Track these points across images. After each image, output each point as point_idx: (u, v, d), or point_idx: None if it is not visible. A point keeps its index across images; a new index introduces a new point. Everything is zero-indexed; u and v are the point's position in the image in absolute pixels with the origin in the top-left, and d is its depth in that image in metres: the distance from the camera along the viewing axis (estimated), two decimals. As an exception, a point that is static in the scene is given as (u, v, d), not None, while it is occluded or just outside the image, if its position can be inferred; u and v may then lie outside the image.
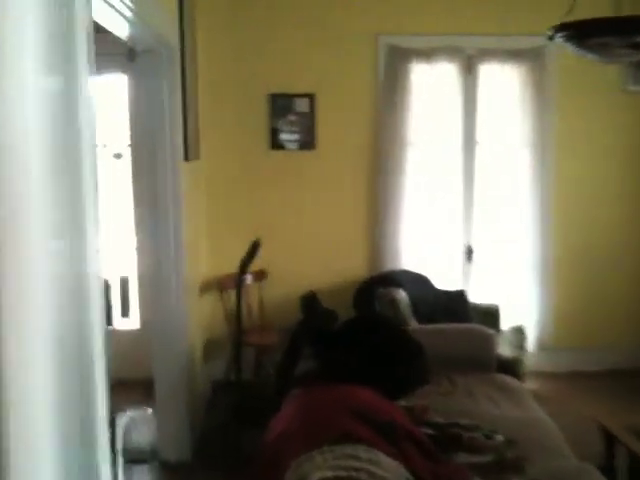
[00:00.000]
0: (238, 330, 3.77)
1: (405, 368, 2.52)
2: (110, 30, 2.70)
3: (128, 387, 4.43)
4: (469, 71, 4.54)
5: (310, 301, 3.09)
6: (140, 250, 3.95)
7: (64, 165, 1.27)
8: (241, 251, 3.75)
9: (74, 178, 1.33)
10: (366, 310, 4.10)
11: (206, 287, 4.40)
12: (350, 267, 4.65)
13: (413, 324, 3.98)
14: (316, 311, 3.07)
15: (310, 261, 4.66)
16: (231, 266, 3.93)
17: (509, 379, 3.48)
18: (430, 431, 2.58)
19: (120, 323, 4.82)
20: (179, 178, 3.49)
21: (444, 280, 4.59)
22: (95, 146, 1.81)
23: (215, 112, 4.45)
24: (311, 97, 4.49)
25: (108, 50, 4.32)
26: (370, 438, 1.95)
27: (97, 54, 1.50)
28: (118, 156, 4.72)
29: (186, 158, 3.66)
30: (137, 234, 4.06)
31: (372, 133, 4.57)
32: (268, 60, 4.46)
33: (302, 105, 4.50)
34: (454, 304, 4.40)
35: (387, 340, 2.59)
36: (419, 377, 2.48)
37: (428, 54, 4.47)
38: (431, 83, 4.51)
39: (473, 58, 4.54)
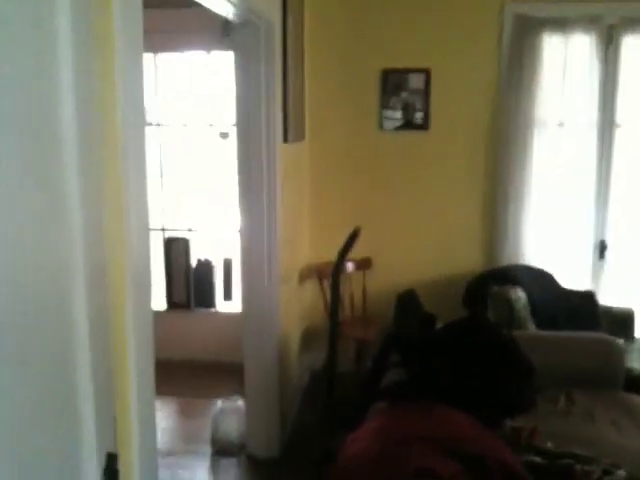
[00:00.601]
0: (333, 321, 3.54)
1: (510, 390, 2.18)
2: (202, 2, 2.50)
3: (227, 371, 4.35)
4: (609, 43, 3.99)
5: (407, 300, 2.78)
6: (240, 233, 3.82)
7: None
8: (344, 238, 3.50)
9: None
10: (477, 309, 3.72)
11: (307, 275, 4.20)
12: (462, 259, 4.27)
13: (530, 328, 3.56)
14: (412, 312, 2.76)
15: (419, 250, 4.33)
16: (333, 254, 3.69)
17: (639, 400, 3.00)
18: (537, 459, 2.23)
19: (223, 305, 4.73)
20: (275, 160, 3.28)
21: (571, 279, 4.10)
22: (143, 124, 1.65)
23: (322, 91, 4.20)
24: (427, 72, 4.12)
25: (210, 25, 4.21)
26: (454, 476, 1.66)
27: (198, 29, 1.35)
28: (224, 135, 4.59)
29: (285, 139, 3.44)
30: (239, 216, 3.92)
31: (493, 113, 4.13)
32: (381, 33, 4.13)
33: (416, 81, 4.14)
34: (581, 307, 3.91)
35: (492, 353, 2.26)
36: (525, 402, 2.13)
37: (561, 24, 3.96)
38: (564, 57, 3.99)
39: (614, 28, 3.97)
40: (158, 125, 4.64)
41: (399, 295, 2.74)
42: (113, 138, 1.45)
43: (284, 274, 3.61)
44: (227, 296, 4.72)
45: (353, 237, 3.45)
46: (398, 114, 4.19)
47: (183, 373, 4.53)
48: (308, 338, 4.32)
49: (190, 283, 4.69)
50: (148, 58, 4.56)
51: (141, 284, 1.61)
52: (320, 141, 4.25)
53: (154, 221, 4.74)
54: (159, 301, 4.74)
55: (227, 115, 4.50)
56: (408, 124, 4.19)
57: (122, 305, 1.52)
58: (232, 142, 4.49)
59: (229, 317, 4.64)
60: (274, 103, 3.21)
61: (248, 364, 3.51)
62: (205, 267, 4.68)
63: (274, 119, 3.22)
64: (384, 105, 4.18)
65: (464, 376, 2.20)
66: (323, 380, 4.12)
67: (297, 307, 4.07)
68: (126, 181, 1.51)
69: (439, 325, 2.41)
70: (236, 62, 3.36)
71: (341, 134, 4.26)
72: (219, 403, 3.63)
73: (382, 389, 2.39)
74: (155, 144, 4.65)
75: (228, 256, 4.72)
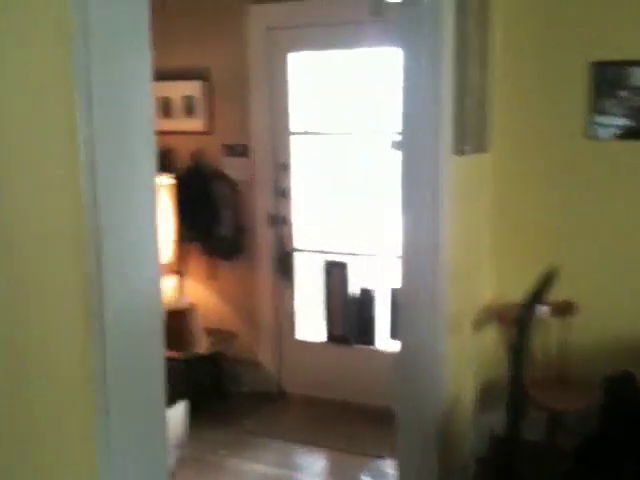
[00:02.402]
0: (515, 381, 2.80)
1: None
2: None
3: (385, 418, 3.73)
4: None
5: (620, 385, 1.94)
6: (401, 260, 3.19)
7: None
8: (536, 274, 2.72)
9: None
10: None
11: (485, 318, 3.41)
12: None
13: None
14: (627, 401, 1.92)
15: None
16: (520, 293, 2.89)
17: None
18: None
19: (385, 343, 4.08)
20: (442, 176, 2.59)
21: None
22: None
23: (511, 91, 3.37)
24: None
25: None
26: None
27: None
28: (397, 145, 3.93)
29: (458, 151, 2.72)
30: (402, 241, 3.27)
31: None
32: (592, 13, 3.23)
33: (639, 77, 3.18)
34: None
35: None
36: None
37: None
38: None
39: None
40: (316, 134, 4.11)
41: (607, 378, 1.90)
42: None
43: (454, 316, 2.93)
44: (395, 333, 4.05)
45: (547, 281, 2.65)
46: (612, 119, 3.24)
47: (334, 417, 3.97)
48: (487, 395, 3.53)
49: (349, 314, 4.10)
50: (306, 56, 4.05)
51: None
52: (507, 153, 3.41)
53: (312, 242, 4.22)
54: (319, 332, 4.22)
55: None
56: (624, 132, 3.23)
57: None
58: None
59: (391, 358, 3.98)
60: (441, 106, 2.52)
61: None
62: (367, 297, 4.06)
63: (440, 126, 2.53)
64: (596, 108, 3.26)
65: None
66: (505, 448, 3.36)
67: (471, 357, 3.32)
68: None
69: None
70: (402, 54, 2.75)
71: (535, 145, 3.40)
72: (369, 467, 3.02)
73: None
74: (313, 155, 4.13)
75: (395, 285, 4.05)
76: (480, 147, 3.07)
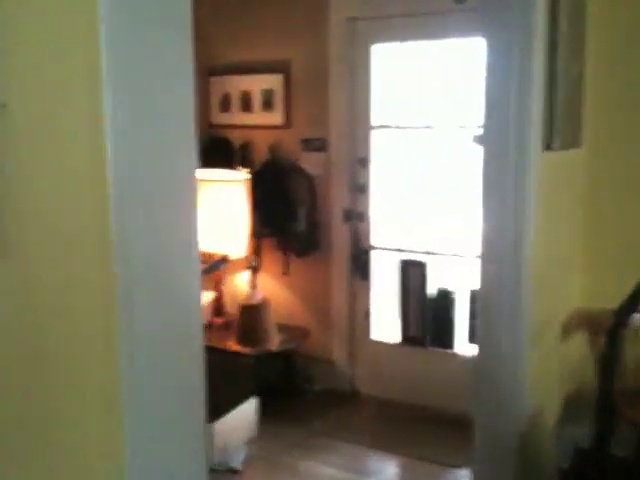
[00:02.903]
0: (604, 394, 2.62)
1: None
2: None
3: (460, 425, 3.58)
4: None
5: None
6: (481, 260, 3.03)
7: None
8: (633, 279, 2.52)
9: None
10: None
11: (574, 325, 3.19)
12: None
13: None
14: None
15: None
16: (614, 299, 2.69)
17: None
18: None
19: (464, 347, 3.90)
20: (529, 173, 2.43)
21: None
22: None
23: (610, 82, 3.12)
24: None
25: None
26: None
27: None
28: (480, 139, 3.75)
29: (548, 147, 2.54)
30: (482, 241, 3.11)
31: None
32: None
33: None
34: None
35: None
36: None
37: None
38: None
39: None
40: (397, 128, 3.97)
41: None
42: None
43: (538, 321, 2.76)
44: (473, 337, 3.88)
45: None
46: None
47: (408, 421, 3.83)
48: (572, 406, 3.32)
49: (427, 316, 3.95)
50: (388, 48, 3.91)
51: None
52: (602, 150, 3.16)
53: (389, 240, 4.09)
54: (394, 332, 4.10)
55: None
56: None
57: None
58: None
59: (472, 362, 3.81)
60: (529, 98, 2.35)
61: (480, 428, 2.83)
62: (445, 298, 3.90)
63: (528, 119, 2.37)
64: None
65: None
66: (591, 462, 3.15)
67: (557, 365, 3.13)
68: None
69: None
70: (487, 42, 2.60)
71: (633, 141, 3.15)
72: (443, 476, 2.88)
73: None
74: (393, 149, 3.99)
75: (475, 286, 3.88)
76: (572, 143, 2.86)
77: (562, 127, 2.67)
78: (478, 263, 3.81)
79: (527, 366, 2.72)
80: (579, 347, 3.26)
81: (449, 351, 3.90)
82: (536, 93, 2.45)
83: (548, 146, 2.56)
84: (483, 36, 2.61)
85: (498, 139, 2.53)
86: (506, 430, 2.74)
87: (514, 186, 2.47)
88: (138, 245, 1.20)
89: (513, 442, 2.74)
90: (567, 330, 3.17)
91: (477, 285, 3.86)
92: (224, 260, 3.97)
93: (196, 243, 1.34)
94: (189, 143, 1.32)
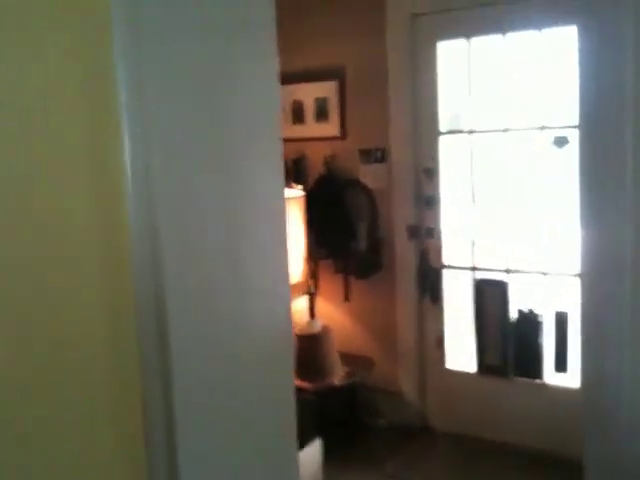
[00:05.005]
0: None
1: None
2: None
3: (557, 468, 3.16)
4: None
5: None
6: (583, 277, 2.64)
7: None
8: None
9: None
10: None
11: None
12: None
13: None
14: None
15: None
16: None
17: None
18: None
19: (553, 377, 3.45)
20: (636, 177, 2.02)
21: None
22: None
23: None
24: None
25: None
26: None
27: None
28: (561, 142, 3.34)
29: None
30: (581, 252, 2.69)
31: None
32: None
33: None
34: None
35: None
36: None
37: None
38: None
39: None
40: (470, 132, 3.57)
41: None
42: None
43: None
44: (560, 365, 3.43)
45: None
46: None
47: (491, 460, 3.40)
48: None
49: (508, 342, 3.52)
50: (457, 45, 3.54)
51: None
52: None
53: (462, 258, 3.68)
54: (468, 361, 3.68)
55: (564, 114, 3.27)
56: None
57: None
58: (572, 151, 3.25)
59: (562, 394, 3.36)
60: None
61: (591, 468, 2.35)
62: (530, 322, 3.46)
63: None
64: None
65: None
66: None
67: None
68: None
69: None
70: (586, 33, 2.24)
71: None
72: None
73: None
74: (463, 157, 3.60)
75: (562, 308, 3.44)
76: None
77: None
78: (565, 281, 3.41)
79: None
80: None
81: (537, 381, 3.45)
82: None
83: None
84: (577, 24, 2.26)
85: (604, 137, 2.13)
86: (624, 463, 2.32)
87: (632, 189, 2.07)
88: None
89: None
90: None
91: (563, 306, 3.45)
92: (279, 285, 3.61)
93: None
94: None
